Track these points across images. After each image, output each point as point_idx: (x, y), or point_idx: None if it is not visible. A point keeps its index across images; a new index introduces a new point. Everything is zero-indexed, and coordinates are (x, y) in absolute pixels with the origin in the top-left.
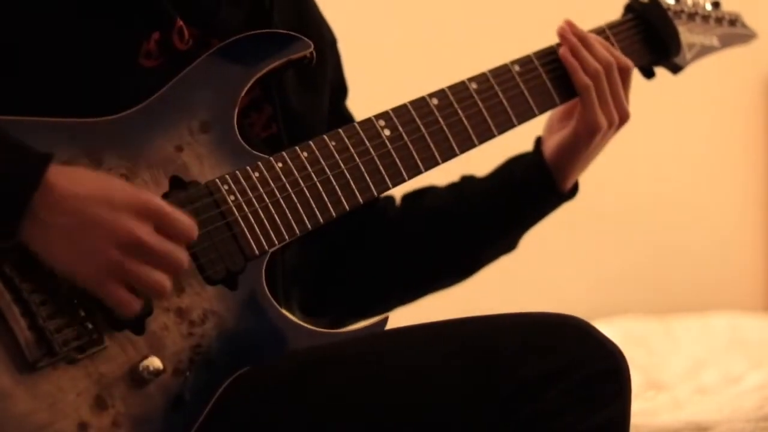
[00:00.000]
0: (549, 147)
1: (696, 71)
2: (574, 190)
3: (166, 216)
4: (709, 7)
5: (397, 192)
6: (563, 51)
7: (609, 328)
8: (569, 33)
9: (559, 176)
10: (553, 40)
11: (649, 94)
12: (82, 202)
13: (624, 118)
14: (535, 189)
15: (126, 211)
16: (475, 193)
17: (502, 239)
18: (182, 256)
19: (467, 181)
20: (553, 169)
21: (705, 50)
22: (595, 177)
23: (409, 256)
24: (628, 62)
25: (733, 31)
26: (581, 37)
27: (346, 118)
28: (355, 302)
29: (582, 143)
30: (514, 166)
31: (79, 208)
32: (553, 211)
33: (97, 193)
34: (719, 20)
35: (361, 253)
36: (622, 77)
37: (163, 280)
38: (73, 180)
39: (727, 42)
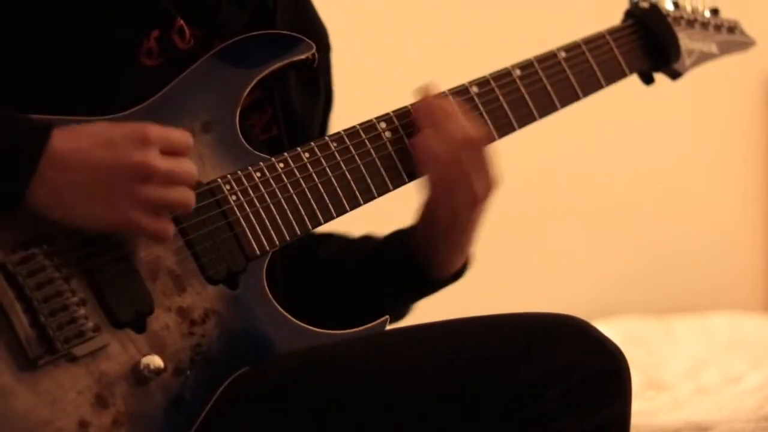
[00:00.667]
0: (411, 227)
1: (696, 72)
2: (464, 267)
3: (165, 136)
4: (708, 14)
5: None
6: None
7: (609, 328)
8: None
9: (423, 258)
10: (555, 41)
11: (649, 95)
12: (86, 153)
13: (479, 196)
14: (397, 266)
15: (129, 145)
16: (357, 255)
17: (379, 305)
18: (190, 167)
19: (363, 240)
20: (414, 251)
21: (704, 57)
22: (595, 177)
23: (311, 287)
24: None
25: (732, 38)
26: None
27: (324, 130)
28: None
29: (427, 228)
30: (398, 235)
31: (86, 160)
32: (431, 293)
33: (97, 138)
34: (718, 27)
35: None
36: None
37: (185, 193)
38: (73, 137)
39: (725, 49)
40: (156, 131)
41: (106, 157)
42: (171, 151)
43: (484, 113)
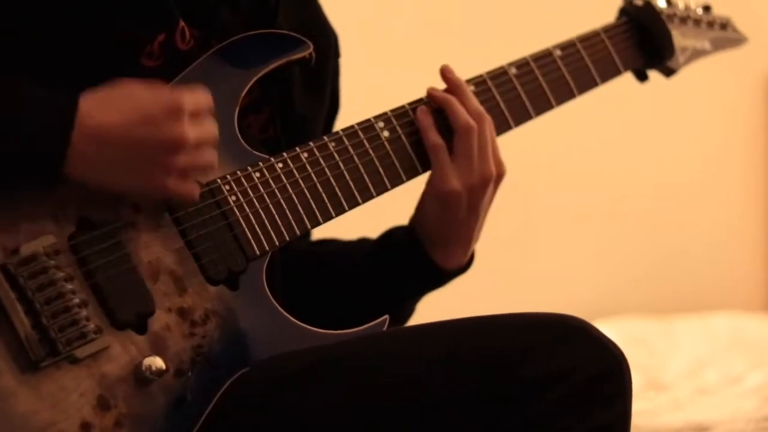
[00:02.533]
0: (414, 216)
1: (696, 72)
2: (468, 263)
3: (195, 102)
4: (700, 11)
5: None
6: (418, 111)
7: (609, 328)
8: (438, 91)
9: (432, 247)
10: (550, 40)
11: (649, 95)
12: (124, 129)
13: (487, 176)
14: (403, 257)
15: (166, 120)
16: (358, 254)
17: (379, 303)
18: (212, 127)
19: (361, 241)
20: (421, 238)
21: (697, 54)
22: (595, 177)
23: (308, 291)
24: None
25: (724, 35)
26: (456, 87)
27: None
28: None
29: (435, 211)
30: (397, 231)
31: (124, 136)
32: (434, 287)
33: (132, 113)
34: (710, 24)
35: (292, 277)
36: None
37: (210, 156)
38: (106, 109)
39: (718, 45)
40: (189, 100)
41: (144, 134)
42: (198, 113)
43: None
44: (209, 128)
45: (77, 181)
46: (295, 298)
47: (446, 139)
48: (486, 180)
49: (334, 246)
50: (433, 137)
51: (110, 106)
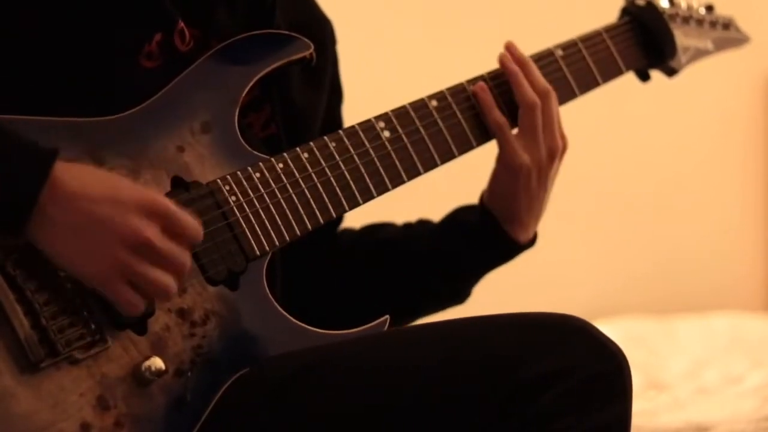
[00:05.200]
0: (486, 191)
1: (696, 71)
2: (533, 239)
3: (173, 217)
4: (702, 11)
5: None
6: (476, 88)
7: (609, 328)
8: (510, 61)
9: (506, 221)
10: (552, 40)
11: (649, 95)
12: (90, 201)
13: (554, 150)
14: (475, 232)
15: (134, 211)
16: (423, 233)
17: (446, 283)
18: (186, 258)
19: (421, 222)
20: (495, 213)
21: (699, 53)
22: (595, 177)
23: (357, 283)
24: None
25: (727, 34)
26: (522, 63)
27: (338, 124)
28: (317, 319)
29: (507, 185)
30: (462, 210)
31: (88, 208)
32: (506, 261)
33: (105, 192)
34: (713, 24)
35: (318, 275)
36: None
37: (169, 281)
38: (80, 178)
39: (720, 45)
40: (166, 207)
41: (106, 213)
42: (176, 234)
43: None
44: (182, 256)
45: (35, 243)
46: (353, 289)
47: (509, 114)
48: (553, 153)
49: (390, 231)
50: (496, 115)
51: (84, 177)
